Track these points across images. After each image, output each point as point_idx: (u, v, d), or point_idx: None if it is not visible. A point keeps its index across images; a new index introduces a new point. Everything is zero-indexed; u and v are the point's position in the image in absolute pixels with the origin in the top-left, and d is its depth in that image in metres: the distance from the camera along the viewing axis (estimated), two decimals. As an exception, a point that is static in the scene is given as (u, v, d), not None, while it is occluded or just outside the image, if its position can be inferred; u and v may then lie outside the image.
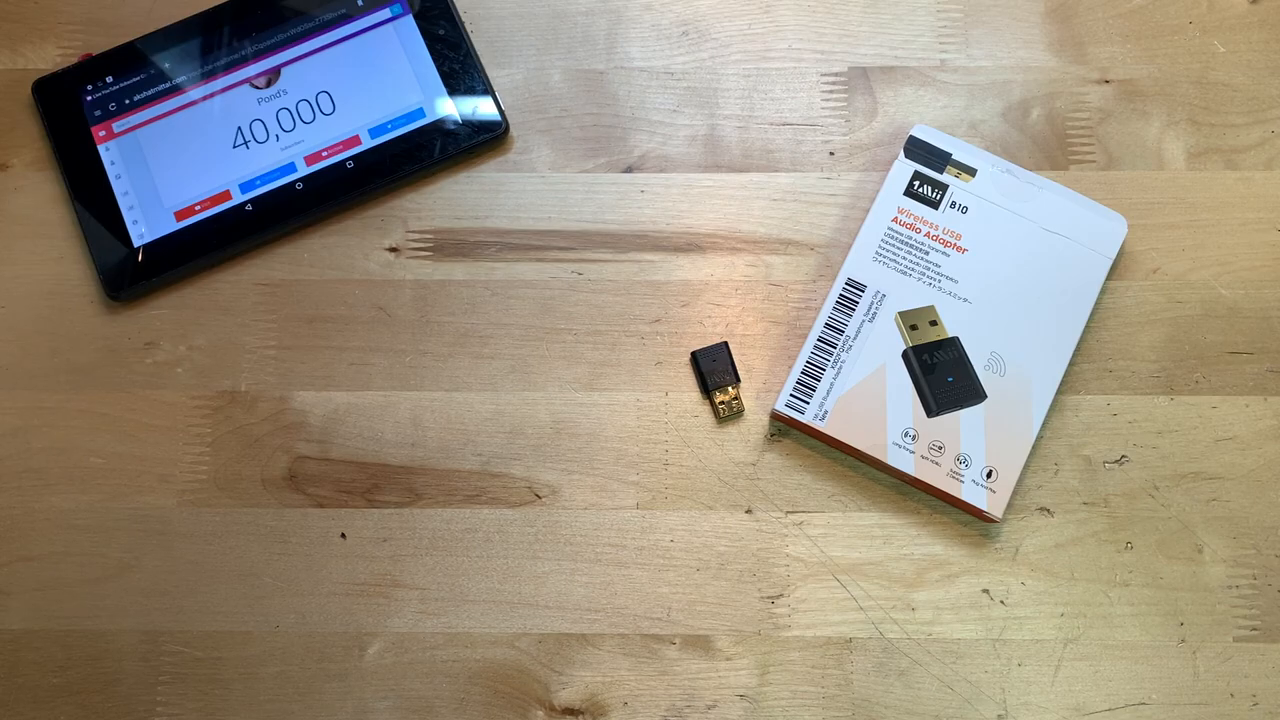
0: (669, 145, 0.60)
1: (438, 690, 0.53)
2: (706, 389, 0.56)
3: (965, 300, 0.56)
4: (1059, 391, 0.56)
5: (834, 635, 0.53)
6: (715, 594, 0.54)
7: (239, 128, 0.60)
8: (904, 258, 0.56)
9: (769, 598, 0.54)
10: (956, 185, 0.57)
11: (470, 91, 0.60)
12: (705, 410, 0.56)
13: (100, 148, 0.60)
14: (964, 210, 0.57)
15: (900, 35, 0.62)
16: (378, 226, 0.59)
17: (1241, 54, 0.61)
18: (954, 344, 0.55)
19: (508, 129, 0.60)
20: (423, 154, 0.59)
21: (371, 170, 0.59)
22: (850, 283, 0.56)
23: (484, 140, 0.60)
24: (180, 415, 0.57)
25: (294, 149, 0.59)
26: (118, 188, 0.59)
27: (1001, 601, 0.54)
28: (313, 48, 0.61)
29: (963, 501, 0.53)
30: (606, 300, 0.58)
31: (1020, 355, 0.55)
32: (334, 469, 0.56)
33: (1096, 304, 0.57)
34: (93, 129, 0.60)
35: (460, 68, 0.61)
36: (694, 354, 0.57)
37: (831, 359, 0.55)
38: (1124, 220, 0.57)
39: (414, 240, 0.59)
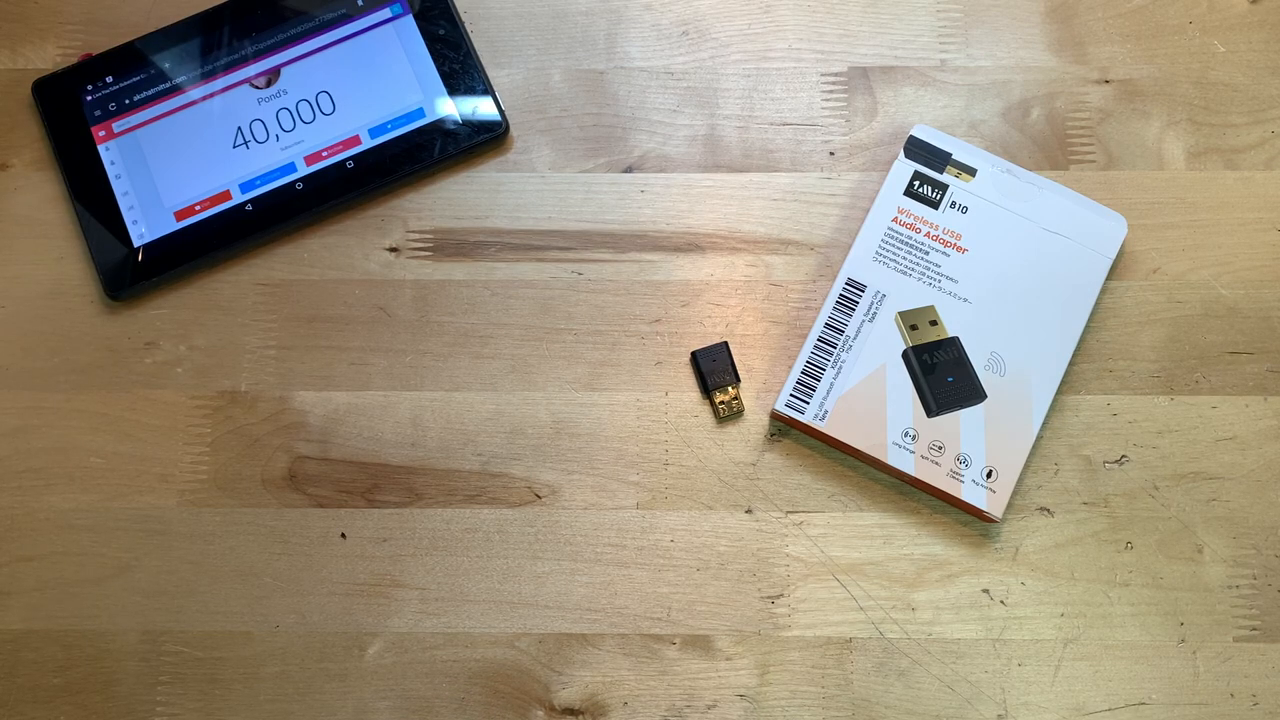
0: (669, 145, 0.60)
1: (438, 690, 0.53)
2: (706, 389, 0.56)
3: (965, 300, 0.56)
4: (1059, 391, 0.56)
5: (834, 635, 0.53)
6: (715, 594, 0.54)
7: (239, 128, 0.60)
8: (904, 258, 0.56)
9: (769, 598, 0.54)
10: (956, 185, 0.57)
11: (470, 91, 0.60)
12: (705, 410, 0.56)
13: (100, 148, 0.60)
14: (964, 210, 0.57)
15: (900, 35, 0.62)
16: (378, 226, 0.59)
17: (1241, 54, 0.61)
18: (954, 344, 0.55)
19: (508, 129, 0.60)
20: (423, 154, 0.59)
21: (371, 170, 0.59)
22: (850, 283, 0.56)
23: (484, 140, 0.60)
24: (180, 415, 0.57)
25: (294, 149, 0.60)
26: (118, 188, 0.59)
27: (1001, 601, 0.54)
28: (313, 48, 0.61)
29: (963, 501, 0.53)
30: (606, 300, 0.58)
31: (1020, 355, 0.55)
32: (334, 469, 0.56)
33: (1096, 304, 0.57)
34: (93, 129, 0.60)
35: (460, 68, 0.61)
36: (694, 354, 0.57)
37: (831, 359, 0.55)
38: (1124, 220, 0.57)
39: (414, 240, 0.59)
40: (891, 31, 0.62)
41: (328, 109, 0.60)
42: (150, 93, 0.60)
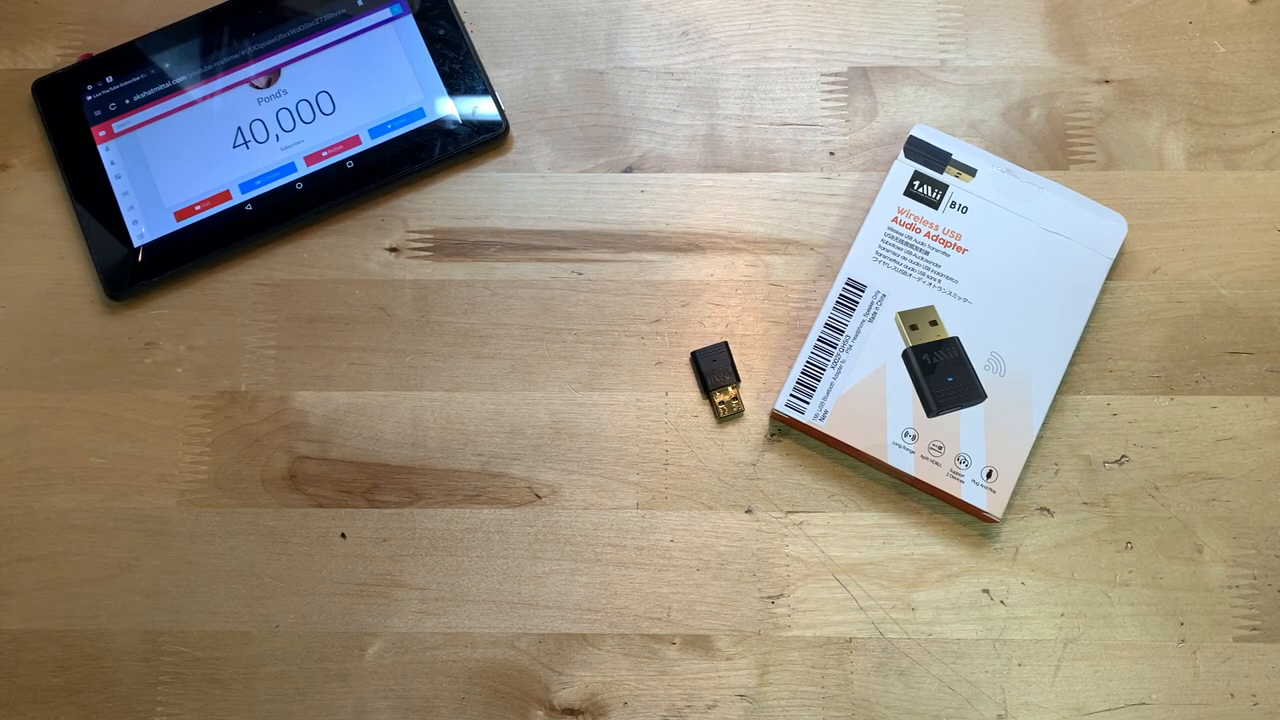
0: (669, 145, 0.60)
1: (438, 690, 0.53)
2: (706, 389, 0.56)
3: (965, 300, 0.56)
4: (1059, 391, 0.56)
5: (834, 635, 0.53)
6: (715, 594, 0.54)
7: (239, 128, 0.60)
8: (904, 258, 0.56)
9: (769, 598, 0.54)
10: (956, 185, 0.57)
11: (470, 91, 0.60)
12: (705, 410, 0.56)
13: (100, 148, 0.60)
14: (964, 210, 0.57)
15: (900, 35, 0.62)
16: (378, 226, 0.59)
17: (1241, 54, 0.61)
18: (954, 344, 0.55)
19: (508, 129, 0.60)
20: (423, 154, 0.59)
21: (371, 170, 0.59)
22: (850, 283, 0.56)
23: (484, 140, 0.60)
24: (180, 415, 0.57)
25: (294, 149, 0.60)
26: (118, 188, 0.59)
27: (1001, 601, 0.54)
28: (313, 48, 0.61)
29: (963, 501, 0.53)
30: (606, 300, 0.58)
31: (1020, 355, 0.55)
32: (334, 469, 0.56)
33: (1096, 304, 0.57)
34: (93, 129, 0.60)
35: (460, 68, 0.61)
36: (694, 354, 0.57)
37: (831, 359, 0.55)
38: (1124, 220, 0.57)
39: (414, 240, 0.59)
40: (891, 31, 0.62)
41: (328, 109, 0.60)
42: (150, 93, 0.60)
